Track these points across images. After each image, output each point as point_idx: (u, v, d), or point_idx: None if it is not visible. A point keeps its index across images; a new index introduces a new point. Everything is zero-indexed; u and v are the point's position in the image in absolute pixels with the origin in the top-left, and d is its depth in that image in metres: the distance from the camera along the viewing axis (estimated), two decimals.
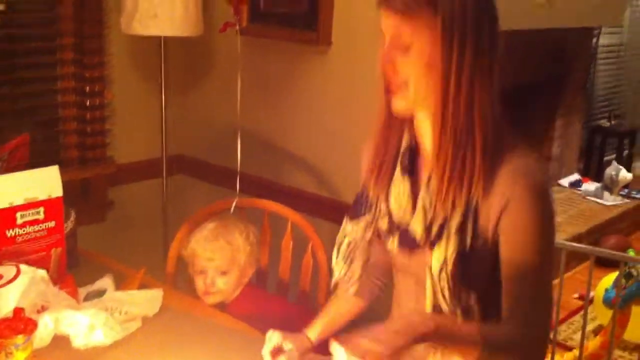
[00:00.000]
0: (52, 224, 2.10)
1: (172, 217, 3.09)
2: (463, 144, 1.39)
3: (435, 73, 1.38)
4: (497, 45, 1.41)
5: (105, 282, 2.08)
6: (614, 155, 6.43)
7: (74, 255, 2.24)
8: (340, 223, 2.61)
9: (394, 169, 1.57)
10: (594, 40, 5.97)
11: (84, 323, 1.76)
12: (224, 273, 2.25)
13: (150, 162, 3.25)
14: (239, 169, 2.85)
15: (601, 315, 3.79)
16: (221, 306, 2.27)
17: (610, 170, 5.55)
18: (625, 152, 6.61)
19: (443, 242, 1.45)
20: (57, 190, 2.09)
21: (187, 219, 2.45)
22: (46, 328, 1.76)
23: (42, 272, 1.93)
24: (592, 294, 3.10)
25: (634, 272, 3.10)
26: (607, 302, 3.22)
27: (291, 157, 3.09)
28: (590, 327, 3.67)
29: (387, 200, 1.58)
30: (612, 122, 6.66)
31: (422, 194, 1.50)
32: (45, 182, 2.07)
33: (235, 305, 2.28)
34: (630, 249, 3.32)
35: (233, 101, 2.91)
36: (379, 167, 1.58)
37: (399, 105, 1.45)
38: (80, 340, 1.76)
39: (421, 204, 1.49)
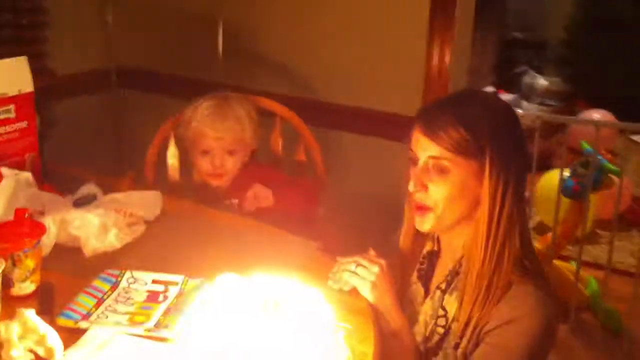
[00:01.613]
0: (24, 124, 1.83)
1: (125, 130, 2.84)
2: (494, 271, 1.40)
3: (467, 200, 1.42)
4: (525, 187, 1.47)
5: (91, 188, 1.85)
6: (525, 68, 6.55)
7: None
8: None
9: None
10: None
11: (95, 224, 1.55)
12: (231, 153, 2.09)
13: (92, 74, 2.96)
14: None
15: (542, 212, 3.89)
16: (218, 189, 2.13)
17: (527, 79, 5.66)
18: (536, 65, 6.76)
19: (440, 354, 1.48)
20: (27, 85, 1.82)
21: (170, 120, 2.23)
22: (49, 234, 1.54)
23: (26, 174, 1.69)
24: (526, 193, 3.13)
25: (591, 161, 3.15)
26: (568, 191, 3.27)
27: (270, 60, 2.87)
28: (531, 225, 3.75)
29: None
30: (524, 34, 6.76)
31: (427, 302, 1.52)
32: (13, 76, 1.79)
33: (238, 185, 2.11)
34: (584, 142, 3.37)
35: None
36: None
37: (425, 225, 1.48)
38: (92, 243, 1.55)
39: (423, 312, 1.52)
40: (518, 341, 1.37)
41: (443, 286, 1.50)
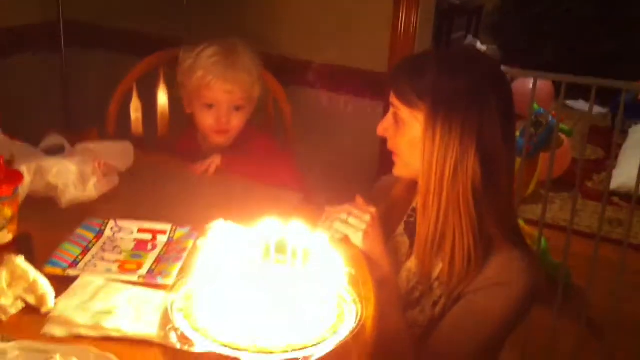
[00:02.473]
0: None
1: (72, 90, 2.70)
2: (449, 225, 1.39)
3: (420, 153, 1.40)
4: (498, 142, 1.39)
5: (56, 139, 1.76)
6: (463, 33, 6.65)
7: None
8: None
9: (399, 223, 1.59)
10: None
11: (74, 172, 1.48)
12: (238, 108, 1.92)
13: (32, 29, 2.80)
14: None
15: None
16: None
17: (467, 42, 5.73)
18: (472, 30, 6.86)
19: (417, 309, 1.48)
20: None
21: (132, 72, 2.14)
22: (23, 182, 1.45)
23: None
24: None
25: (543, 121, 3.23)
26: (519, 150, 3.35)
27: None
28: None
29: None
30: (461, 1, 6.84)
31: (412, 259, 1.51)
32: None
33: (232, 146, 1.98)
34: (534, 104, 3.44)
35: None
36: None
37: (395, 169, 1.51)
38: (71, 192, 1.48)
39: (406, 268, 1.51)
40: (497, 305, 1.38)
41: None
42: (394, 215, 1.60)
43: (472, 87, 1.37)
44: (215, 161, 1.85)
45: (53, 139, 1.75)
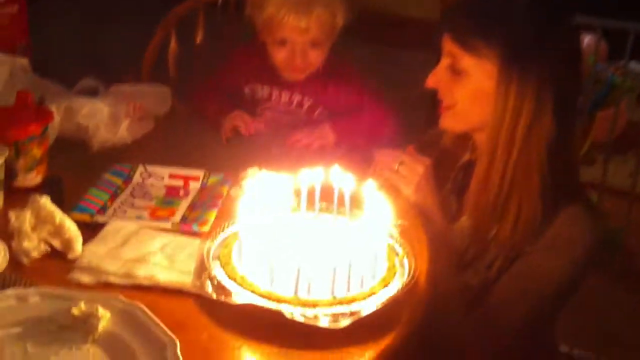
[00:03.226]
0: (14, 8, 1.64)
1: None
2: (516, 186, 1.25)
3: (487, 105, 1.26)
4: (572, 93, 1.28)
5: (91, 82, 1.67)
6: None
7: None
8: None
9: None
10: None
11: (105, 113, 1.38)
12: (315, 44, 1.68)
13: None
14: None
15: None
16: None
17: None
18: None
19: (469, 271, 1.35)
20: None
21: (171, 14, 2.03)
22: (53, 123, 1.37)
23: (22, 60, 1.51)
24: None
25: (602, 77, 3.05)
26: None
27: None
28: None
29: None
30: None
31: (464, 218, 1.38)
32: None
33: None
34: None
35: None
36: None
37: (446, 123, 1.35)
38: (102, 134, 1.39)
39: (458, 228, 1.38)
40: (559, 265, 1.26)
41: None
42: (440, 171, 1.48)
43: (558, 38, 1.24)
44: (324, 135, 1.68)
45: (88, 82, 1.66)
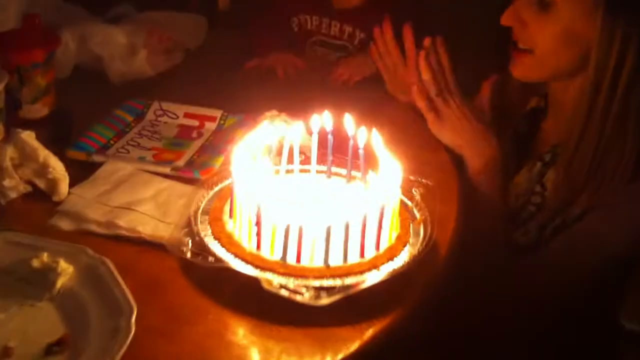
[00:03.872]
0: None
1: None
2: (609, 145, 1.07)
3: (574, 49, 1.08)
4: None
5: (125, 8, 1.56)
6: None
7: None
8: None
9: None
10: None
11: (121, 42, 1.28)
12: None
13: None
14: None
15: None
16: None
17: None
18: None
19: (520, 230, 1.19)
20: None
21: None
22: (66, 49, 1.27)
23: None
24: None
25: None
26: None
27: None
28: None
29: None
30: None
31: (523, 172, 1.22)
32: None
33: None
34: None
35: None
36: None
37: (519, 69, 1.16)
38: (117, 65, 1.29)
39: (514, 183, 1.22)
40: (632, 227, 1.08)
41: (547, 158, 1.20)
42: (501, 122, 1.31)
43: None
44: (361, 65, 1.52)
45: (121, 9, 1.56)
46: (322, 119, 0.98)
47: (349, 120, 0.99)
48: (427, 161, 1.14)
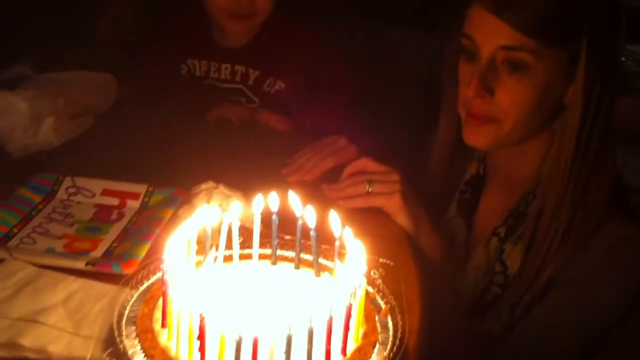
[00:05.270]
0: None
1: None
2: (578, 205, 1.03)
3: (548, 108, 1.03)
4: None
5: (22, 69, 1.39)
6: None
7: None
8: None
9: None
10: None
11: (22, 110, 1.10)
12: None
13: None
14: None
15: None
16: None
17: None
18: None
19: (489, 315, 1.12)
20: None
21: None
22: None
23: None
24: None
25: None
26: None
27: None
28: None
29: None
30: None
31: (480, 251, 1.14)
32: None
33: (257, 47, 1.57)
34: None
35: None
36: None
37: (481, 140, 1.07)
38: (19, 137, 1.11)
39: (472, 266, 1.14)
40: (606, 291, 1.03)
41: (502, 232, 1.10)
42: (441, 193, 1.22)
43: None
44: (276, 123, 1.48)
45: (16, 70, 1.39)
46: (267, 199, 0.84)
47: (294, 199, 0.85)
48: (382, 236, 1.01)
